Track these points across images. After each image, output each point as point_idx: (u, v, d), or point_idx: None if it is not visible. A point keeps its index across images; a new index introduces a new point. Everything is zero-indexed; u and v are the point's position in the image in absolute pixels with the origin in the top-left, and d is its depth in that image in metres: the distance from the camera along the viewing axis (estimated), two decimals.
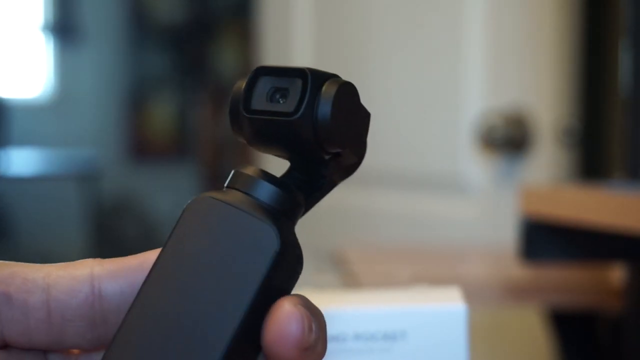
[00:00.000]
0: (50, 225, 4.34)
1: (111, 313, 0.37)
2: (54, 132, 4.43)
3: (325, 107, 0.38)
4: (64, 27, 4.38)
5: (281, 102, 0.38)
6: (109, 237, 4.29)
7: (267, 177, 0.38)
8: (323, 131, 0.38)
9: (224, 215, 0.37)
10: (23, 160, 4.28)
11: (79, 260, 0.38)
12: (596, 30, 1.52)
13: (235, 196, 0.37)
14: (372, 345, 0.53)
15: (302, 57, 1.88)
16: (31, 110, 4.42)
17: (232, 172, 0.38)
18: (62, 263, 0.38)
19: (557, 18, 1.49)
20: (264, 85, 0.38)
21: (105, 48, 4.43)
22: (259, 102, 0.38)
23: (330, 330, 0.53)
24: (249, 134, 0.38)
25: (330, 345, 0.53)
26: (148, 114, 4.47)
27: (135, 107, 4.47)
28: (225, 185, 0.38)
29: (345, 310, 0.53)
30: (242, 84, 0.38)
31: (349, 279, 1.12)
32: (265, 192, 0.37)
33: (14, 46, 4.34)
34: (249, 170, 0.38)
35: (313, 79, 0.38)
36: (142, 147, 4.47)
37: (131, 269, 0.37)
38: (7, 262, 0.37)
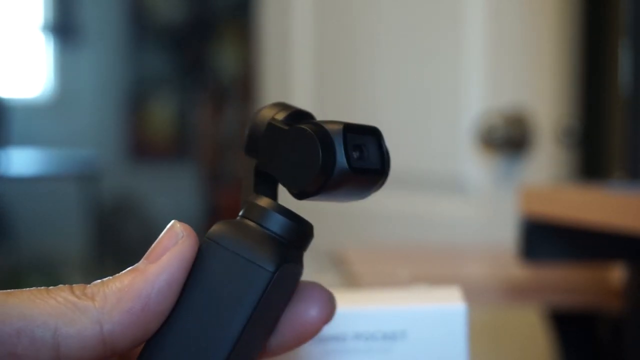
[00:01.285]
0: (50, 226, 4.34)
1: (118, 349, 0.37)
2: (54, 132, 4.43)
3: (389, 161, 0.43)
4: (64, 27, 4.38)
5: (357, 156, 0.42)
6: (109, 237, 4.29)
7: (279, 209, 0.42)
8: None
9: (226, 261, 0.40)
10: (23, 160, 4.28)
11: (84, 306, 0.37)
12: (596, 30, 1.52)
13: (246, 228, 0.40)
14: (372, 345, 0.53)
15: (301, 57, 1.88)
16: (31, 110, 4.42)
17: (247, 203, 0.41)
18: (69, 304, 0.36)
19: (557, 18, 1.49)
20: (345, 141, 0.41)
21: (105, 48, 4.43)
22: (343, 157, 0.41)
23: (330, 330, 0.53)
24: (338, 185, 0.42)
25: (330, 345, 0.53)
26: (148, 114, 4.47)
27: (135, 107, 4.47)
28: (240, 214, 0.41)
29: (345, 310, 0.53)
30: (267, 112, 0.42)
31: (349, 279, 1.12)
32: (275, 223, 0.41)
33: (14, 46, 4.34)
34: (263, 202, 0.41)
35: (381, 136, 0.42)
36: (141, 147, 4.47)
37: (137, 317, 0.37)
38: (7, 299, 0.36)
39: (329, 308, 0.40)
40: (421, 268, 1.13)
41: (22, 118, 4.37)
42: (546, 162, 1.51)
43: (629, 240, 0.95)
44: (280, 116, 0.41)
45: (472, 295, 1.04)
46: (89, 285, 0.38)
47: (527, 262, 0.94)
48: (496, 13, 1.53)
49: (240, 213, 0.41)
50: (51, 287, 0.37)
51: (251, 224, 0.41)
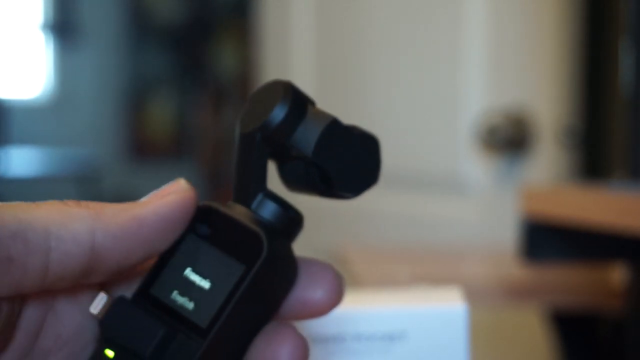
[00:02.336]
0: None
1: (104, 265, 0.37)
2: (54, 132, 4.43)
3: None
4: (64, 27, 4.38)
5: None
6: None
7: (271, 195, 0.41)
8: None
9: (223, 223, 0.40)
10: (23, 161, 4.28)
11: (78, 212, 0.37)
12: (597, 30, 1.52)
13: (237, 209, 0.40)
14: (373, 346, 0.53)
15: (301, 57, 1.88)
16: (31, 110, 4.42)
17: (239, 188, 0.41)
18: (60, 209, 0.37)
19: (558, 18, 1.49)
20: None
21: (104, 48, 4.43)
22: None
23: (330, 330, 0.53)
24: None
25: (330, 346, 0.53)
26: (147, 114, 4.47)
27: (135, 107, 4.47)
28: (232, 199, 0.41)
29: (345, 310, 0.53)
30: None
31: (350, 279, 1.12)
32: (266, 208, 0.41)
33: (14, 46, 4.34)
34: (255, 189, 0.41)
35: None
36: (141, 147, 4.47)
37: (131, 234, 0.38)
38: (2, 206, 0.36)
39: (337, 292, 0.39)
40: (421, 268, 1.13)
41: (21, 118, 4.38)
42: (547, 163, 1.51)
43: (629, 241, 0.95)
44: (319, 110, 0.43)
45: (472, 295, 1.04)
46: (83, 201, 0.38)
47: (528, 262, 0.94)
48: (496, 13, 1.53)
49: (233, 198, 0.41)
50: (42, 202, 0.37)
51: (241, 207, 0.40)
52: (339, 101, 1.77)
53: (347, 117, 1.67)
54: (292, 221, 0.42)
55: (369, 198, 1.99)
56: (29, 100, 4.40)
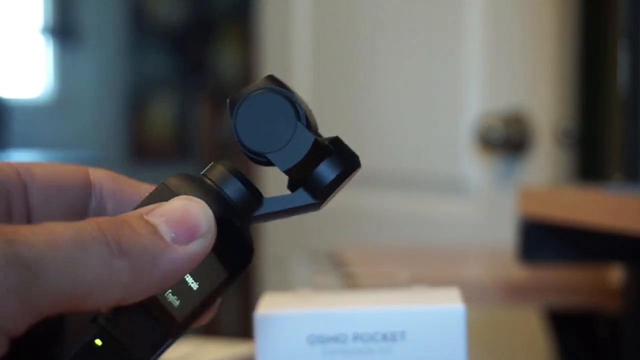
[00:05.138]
0: None
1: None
2: (55, 133, 4.43)
3: None
4: (64, 28, 4.38)
5: None
6: None
7: (238, 175, 0.42)
8: None
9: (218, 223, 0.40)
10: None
11: (117, 271, 0.37)
12: (594, 31, 1.53)
13: (199, 182, 0.41)
14: (372, 346, 0.53)
15: (301, 59, 1.88)
16: (32, 111, 4.42)
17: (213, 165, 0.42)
18: (104, 268, 0.37)
19: (556, 20, 1.49)
20: None
21: (105, 49, 4.43)
22: None
23: (330, 330, 0.53)
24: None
25: (330, 346, 0.53)
26: (148, 115, 4.47)
27: (135, 108, 4.47)
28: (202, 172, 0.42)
29: (345, 311, 0.53)
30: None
31: (349, 279, 1.12)
32: (231, 186, 0.41)
33: (15, 47, 4.34)
34: (226, 166, 0.42)
35: None
36: (142, 148, 4.47)
37: (155, 289, 0.39)
38: (46, 266, 0.36)
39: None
40: (421, 268, 1.14)
41: (22, 119, 4.38)
42: (545, 163, 1.52)
43: (627, 241, 0.96)
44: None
45: (471, 295, 1.05)
46: (121, 234, 0.37)
47: (526, 262, 0.95)
48: (495, 16, 1.53)
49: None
50: (84, 233, 0.37)
51: (207, 181, 0.41)
52: (339, 103, 1.78)
53: (347, 119, 1.69)
54: (253, 202, 0.42)
55: (369, 199, 1.99)
56: (29, 101, 4.40)
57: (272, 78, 0.42)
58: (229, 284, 0.40)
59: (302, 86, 1.82)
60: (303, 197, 0.42)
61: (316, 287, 0.60)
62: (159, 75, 4.49)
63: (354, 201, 1.78)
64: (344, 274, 1.14)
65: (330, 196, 0.43)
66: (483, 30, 1.54)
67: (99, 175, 0.44)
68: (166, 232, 0.38)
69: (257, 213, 0.42)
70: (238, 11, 4.31)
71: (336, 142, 0.43)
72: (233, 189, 0.41)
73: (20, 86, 4.41)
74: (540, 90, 1.51)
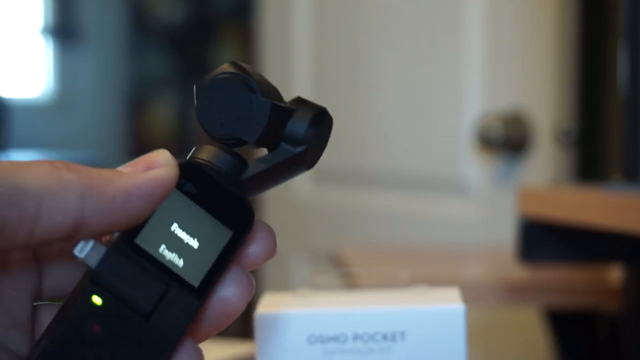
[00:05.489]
0: None
1: (86, 233, 0.39)
2: (55, 133, 4.43)
3: None
4: (64, 28, 4.38)
5: None
6: None
7: (226, 149, 0.42)
8: None
9: (208, 185, 0.41)
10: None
11: (69, 179, 0.38)
12: (594, 31, 1.53)
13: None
14: (372, 346, 0.53)
15: (301, 59, 1.88)
16: (32, 111, 4.42)
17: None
18: (52, 172, 0.38)
19: (556, 20, 1.49)
20: None
21: (105, 49, 4.43)
22: None
23: (330, 330, 0.53)
24: None
25: (330, 346, 0.53)
26: (148, 115, 4.47)
27: (136, 108, 4.47)
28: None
29: (345, 311, 0.54)
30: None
31: (349, 279, 1.12)
32: (223, 160, 0.42)
33: (15, 47, 4.34)
34: (207, 145, 0.42)
35: None
36: (142, 148, 4.47)
37: (118, 208, 0.39)
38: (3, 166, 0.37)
39: (248, 290, 0.41)
40: (421, 268, 1.14)
41: (23, 119, 4.38)
42: (545, 163, 1.52)
43: (627, 241, 0.96)
44: None
45: (471, 295, 1.05)
46: (70, 162, 0.39)
47: (525, 262, 0.95)
48: (495, 16, 1.53)
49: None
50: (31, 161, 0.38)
51: (198, 160, 0.42)
52: (339, 103, 1.78)
53: (347, 118, 1.69)
54: (245, 167, 0.43)
55: (369, 199, 2.00)
56: (29, 101, 4.40)
57: (232, 64, 0.43)
58: (237, 245, 0.40)
59: (302, 86, 1.82)
60: (286, 150, 0.43)
61: (316, 287, 0.60)
62: (159, 75, 4.49)
63: (354, 201, 1.78)
64: (344, 274, 1.15)
65: (312, 147, 0.44)
66: (483, 30, 1.54)
67: None
68: (124, 168, 0.40)
69: (248, 174, 0.42)
70: (238, 11, 4.31)
71: (298, 100, 0.44)
72: (222, 160, 0.41)
73: (20, 86, 4.41)
74: (540, 90, 1.51)
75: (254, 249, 0.41)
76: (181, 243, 0.40)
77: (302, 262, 1.83)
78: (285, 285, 1.85)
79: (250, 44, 3.41)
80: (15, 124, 4.36)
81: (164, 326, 0.38)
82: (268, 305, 0.55)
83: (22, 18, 4.37)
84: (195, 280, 0.39)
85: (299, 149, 0.43)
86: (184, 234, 0.40)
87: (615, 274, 1.14)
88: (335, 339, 0.53)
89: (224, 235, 0.40)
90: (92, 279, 0.38)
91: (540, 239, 0.93)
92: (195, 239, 0.40)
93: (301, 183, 1.91)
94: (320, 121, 0.44)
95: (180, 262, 0.39)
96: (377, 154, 1.71)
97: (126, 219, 0.39)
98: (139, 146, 4.51)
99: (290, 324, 0.53)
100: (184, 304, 0.39)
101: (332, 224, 1.82)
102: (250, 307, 0.46)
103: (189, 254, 0.40)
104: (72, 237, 0.38)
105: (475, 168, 1.57)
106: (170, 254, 0.39)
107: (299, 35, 1.89)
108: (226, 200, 0.41)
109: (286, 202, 1.93)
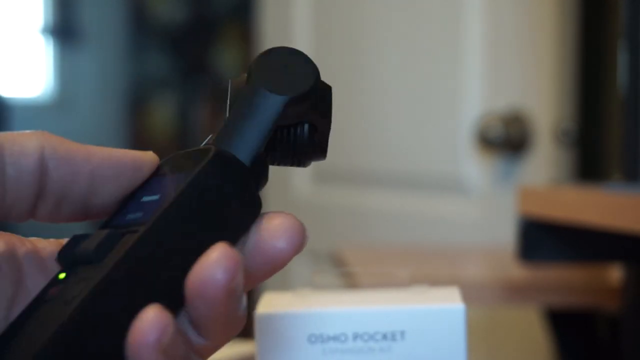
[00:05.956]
0: (52, 227, 4.34)
1: (52, 186, 0.39)
2: (55, 133, 4.43)
3: None
4: (64, 28, 4.38)
5: None
6: None
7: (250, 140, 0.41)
8: None
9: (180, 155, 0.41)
10: None
11: (28, 132, 0.39)
12: (594, 31, 1.53)
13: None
14: (372, 346, 0.53)
15: None
16: (32, 111, 4.42)
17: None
18: (12, 133, 0.39)
19: (556, 20, 1.50)
20: None
21: (105, 49, 4.43)
22: None
23: (330, 330, 0.53)
24: None
25: (330, 345, 0.54)
26: (148, 115, 4.47)
27: (136, 108, 4.48)
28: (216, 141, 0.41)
29: (345, 311, 0.54)
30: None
31: (349, 279, 1.12)
32: (241, 148, 0.40)
33: (15, 47, 4.34)
34: (233, 133, 0.41)
35: None
36: (142, 148, 4.46)
37: (78, 160, 0.39)
38: None
39: (299, 239, 0.39)
40: (420, 268, 1.14)
41: (22, 119, 4.38)
42: (544, 163, 1.52)
43: (626, 241, 0.96)
44: None
45: (471, 295, 1.05)
46: None
47: (525, 262, 0.95)
48: (495, 15, 1.53)
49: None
50: None
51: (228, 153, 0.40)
52: (339, 103, 1.78)
53: (347, 119, 1.69)
54: (261, 169, 0.41)
55: (369, 199, 2.00)
56: (30, 101, 4.40)
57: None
58: (195, 179, 0.38)
59: None
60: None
61: (316, 286, 0.60)
62: (159, 75, 4.49)
63: (354, 201, 1.78)
64: (344, 274, 1.15)
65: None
66: (483, 30, 1.54)
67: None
68: None
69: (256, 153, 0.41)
70: (238, 11, 4.32)
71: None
72: (243, 150, 0.40)
73: (20, 86, 4.41)
74: (540, 90, 1.51)
75: (267, 244, 0.39)
76: (144, 204, 0.39)
77: (302, 262, 1.83)
78: (285, 285, 1.85)
79: (250, 44, 3.41)
80: (15, 124, 4.36)
81: (108, 263, 0.37)
82: (268, 305, 0.55)
83: (22, 18, 4.37)
84: (149, 218, 0.38)
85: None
86: (149, 197, 0.39)
87: (615, 274, 1.14)
88: (335, 338, 0.53)
89: (183, 177, 0.39)
90: (59, 261, 0.39)
91: (540, 239, 0.93)
92: (157, 195, 0.39)
93: (301, 183, 1.91)
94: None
95: (139, 215, 0.39)
96: (377, 154, 1.71)
97: (88, 177, 0.39)
98: (139, 146, 4.51)
99: (290, 323, 0.54)
100: (132, 238, 0.37)
101: (332, 224, 1.82)
102: (250, 307, 0.46)
103: (149, 207, 0.39)
104: (40, 193, 0.39)
105: (475, 168, 1.57)
106: (133, 215, 0.39)
107: (299, 36, 1.89)
108: (191, 153, 0.40)
109: (286, 202, 1.93)
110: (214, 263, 0.35)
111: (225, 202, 0.39)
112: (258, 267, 0.39)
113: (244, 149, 0.40)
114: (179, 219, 0.38)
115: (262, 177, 0.40)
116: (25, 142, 0.39)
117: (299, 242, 0.39)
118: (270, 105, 0.41)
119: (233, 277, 0.36)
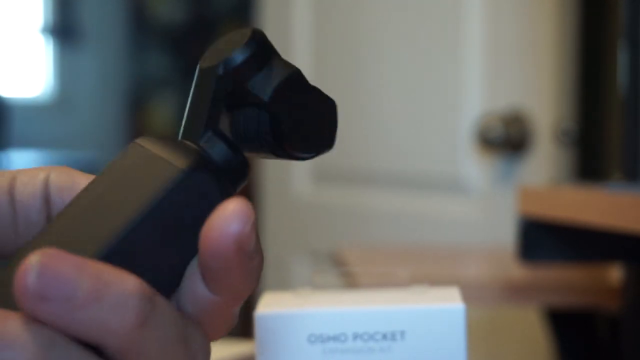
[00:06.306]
0: None
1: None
2: (55, 133, 4.43)
3: None
4: (64, 28, 4.38)
5: None
6: None
7: (220, 134, 0.39)
8: None
9: (140, 159, 0.38)
10: (24, 162, 4.29)
11: (36, 170, 0.40)
12: (594, 31, 1.53)
13: (180, 143, 0.38)
14: (372, 345, 0.53)
15: (301, 59, 1.89)
16: (32, 111, 4.43)
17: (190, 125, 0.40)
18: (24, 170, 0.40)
19: (556, 20, 1.50)
20: None
21: (105, 49, 4.43)
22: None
23: (330, 330, 0.53)
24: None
25: (330, 345, 0.54)
26: (148, 115, 4.47)
27: (136, 107, 4.48)
28: (180, 136, 0.40)
29: (345, 311, 0.54)
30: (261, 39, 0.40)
31: (349, 279, 1.12)
32: (215, 147, 0.39)
33: (15, 47, 4.34)
34: (207, 125, 0.39)
35: None
36: None
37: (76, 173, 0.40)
38: None
39: (243, 222, 0.36)
40: (420, 268, 1.14)
41: (23, 119, 4.38)
42: (544, 163, 1.52)
43: (626, 241, 0.96)
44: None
45: (471, 295, 1.05)
46: None
47: (525, 262, 0.95)
48: (495, 16, 1.53)
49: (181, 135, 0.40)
50: None
51: (187, 142, 0.39)
52: (339, 104, 1.78)
53: (347, 119, 1.70)
54: (238, 165, 0.39)
55: (369, 199, 2.00)
56: (30, 101, 4.40)
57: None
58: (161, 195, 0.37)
59: None
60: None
61: (316, 286, 0.60)
62: (159, 75, 4.49)
63: (354, 201, 1.78)
64: (344, 274, 1.15)
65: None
66: (483, 30, 1.54)
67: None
68: None
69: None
70: (238, 11, 4.32)
71: None
72: (218, 152, 0.39)
73: (20, 86, 4.41)
74: (540, 90, 1.51)
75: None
76: None
77: (302, 262, 1.83)
78: (285, 285, 1.85)
79: None
80: (15, 124, 4.37)
81: None
82: (268, 305, 0.55)
83: (22, 18, 4.37)
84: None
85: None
86: None
87: (615, 274, 1.14)
88: (335, 338, 0.53)
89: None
90: None
91: (540, 239, 0.93)
92: None
93: (301, 183, 1.91)
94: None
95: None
96: (377, 154, 1.71)
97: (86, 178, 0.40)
98: None
99: (290, 323, 0.54)
100: None
101: (332, 224, 1.82)
102: (250, 307, 0.46)
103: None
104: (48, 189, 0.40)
105: (475, 168, 1.57)
106: None
107: (299, 35, 1.89)
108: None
109: (286, 202, 1.93)
110: (230, 215, 0.35)
111: (197, 216, 0.37)
112: (202, 253, 0.37)
113: (194, 132, 0.39)
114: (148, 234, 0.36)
115: (236, 170, 0.39)
116: (31, 184, 0.39)
117: (243, 226, 0.36)
118: (206, 79, 0.40)
119: (246, 229, 0.35)
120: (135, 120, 4.53)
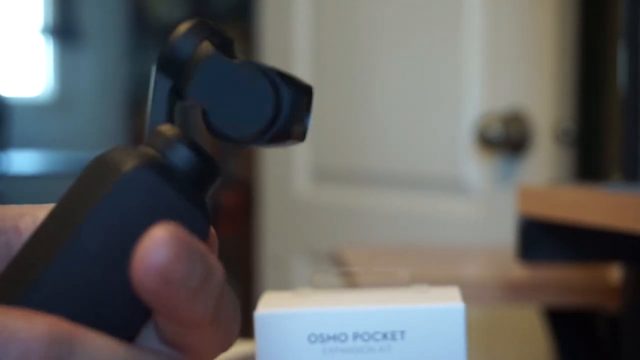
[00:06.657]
0: None
1: None
2: (55, 133, 4.43)
3: None
4: (64, 28, 4.38)
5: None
6: None
7: (186, 140, 0.37)
8: None
9: (95, 169, 0.36)
10: (24, 161, 4.29)
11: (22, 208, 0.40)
12: (594, 31, 1.53)
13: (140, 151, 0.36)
14: (372, 345, 0.53)
15: (301, 59, 1.89)
16: (32, 111, 4.43)
17: (154, 131, 0.38)
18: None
19: (555, 20, 1.50)
20: None
21: (105, 49, 4.43)
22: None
23: (330, 329, 0.53)
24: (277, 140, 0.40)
25: (330, 345, 0.54)
26: None
27: (136, 107, 4.48)
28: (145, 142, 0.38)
29: (345, 310, 0.54)
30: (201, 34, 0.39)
31: (349, 279, 1.12)
32: (178, 153, 0.37)
33: (15, 47, 4.34)
34: (170, 131, 0.37)
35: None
36: None
37: None
38: None
39: (166, 250, 0.32)
40: (420, 268, 1.14)
41: (23, 119, 4.38)
42: (544, 163, 1.52)
43: (626, 241, 0.96)
44: (216, 44, 0.38)
45: (471, 295, 1.05)
46: None
47: (525, 262, 0.95)
48: (495, 16, 1.53)
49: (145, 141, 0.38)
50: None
51: (150, 150, 0.36)
52: (339, 102, 1.78)
53: (347, 119, 1.70)
54: (203, 166, 0.37)
55: (369, 198, 2.00)
56: (30, 101, 4.40)
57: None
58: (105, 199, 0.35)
59: None
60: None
61: (316, 286, 0.60)
62: None
63: (354, 201, 1.78)
64: (344, 274, 1.15)
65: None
66: (483, 30, 1.54)
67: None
68: None
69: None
70: (238, 11, 4.32)
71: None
72: (181, 157, 0.36)
73: (20, 86, 4.41)
74: (540, 90, 1.51)
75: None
76: None
77: (302, 261, 1.83)
78: (285, 285, 1.85)
79: (250, 43, 3.41)
80: (15, 124, 4.36)
81: None
82: (268, 305, 0.55)
83: (22, 18, 4.37)
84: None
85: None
86: None
87: (615, 274, 1.14)
88: (335, 338, 0.53)
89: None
90: None
91: (540, 239, 0.94)
92: None
93: (301, 183, 1.91)
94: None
95: None
96: (377, 154, 1.71)
97: None
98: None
99: (290, 323, 0.54)
100: None
101: (332, 224, 1.82)
102: (251, 306, 0.46)
103: None
104: None
105: (475, 168, 1.57)
106: None
107: (299, 35, 1.89)
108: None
109: (286, 202, 1.93)
110: (151, 244, 0.31)
111: (146, 220, 0.35)
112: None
113: (153, 136, 0.37)
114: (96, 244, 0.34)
115: (200, 170, 0.37)
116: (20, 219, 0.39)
117: (174, 254, 0.32)
118: (154, 77, 0.38)
119: (171, 258, 0.31)
120: (135, 121, 4.53)
